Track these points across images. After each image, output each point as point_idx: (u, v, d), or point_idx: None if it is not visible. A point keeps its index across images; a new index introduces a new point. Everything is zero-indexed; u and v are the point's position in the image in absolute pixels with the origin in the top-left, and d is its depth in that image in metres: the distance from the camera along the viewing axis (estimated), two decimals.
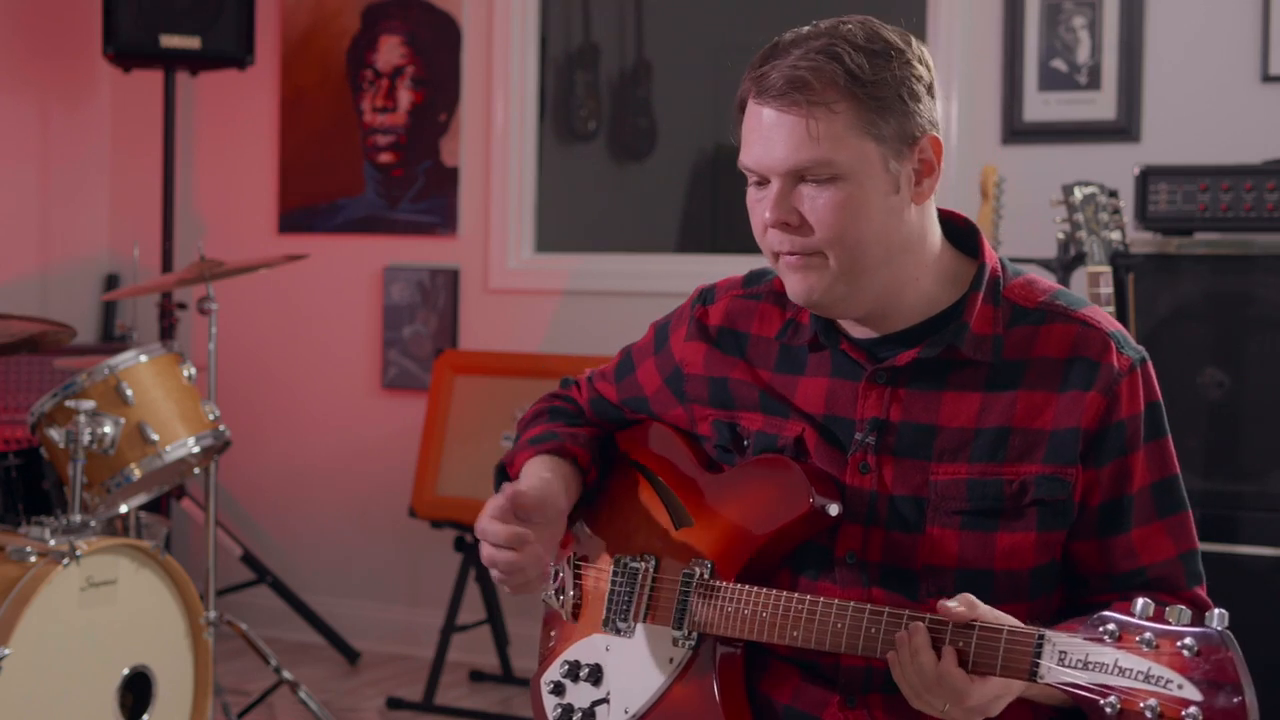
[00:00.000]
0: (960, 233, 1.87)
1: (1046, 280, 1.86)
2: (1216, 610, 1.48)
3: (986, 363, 1.78)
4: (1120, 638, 1.50)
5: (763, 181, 1.79)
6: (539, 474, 1.97)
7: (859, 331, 1.84)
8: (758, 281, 1.97)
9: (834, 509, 1.78)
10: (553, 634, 2.06)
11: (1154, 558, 1.79)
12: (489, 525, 1.89)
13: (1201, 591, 1.83)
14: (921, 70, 1.77)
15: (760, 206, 1.80)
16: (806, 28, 1.78)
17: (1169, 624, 1.48)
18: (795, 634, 1.76)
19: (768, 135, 1.76)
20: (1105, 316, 1.82)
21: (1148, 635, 1.48)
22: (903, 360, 1.79)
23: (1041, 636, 1.56)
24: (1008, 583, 1.77)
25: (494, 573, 1.91)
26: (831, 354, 1.86)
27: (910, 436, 1.79)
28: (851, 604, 1.72)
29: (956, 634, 1.62)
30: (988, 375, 1.78)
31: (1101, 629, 1.51)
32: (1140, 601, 1.50)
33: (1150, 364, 1.81)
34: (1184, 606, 1.49)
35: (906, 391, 1.80)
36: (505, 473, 2.08)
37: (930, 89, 1.78)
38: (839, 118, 1.72)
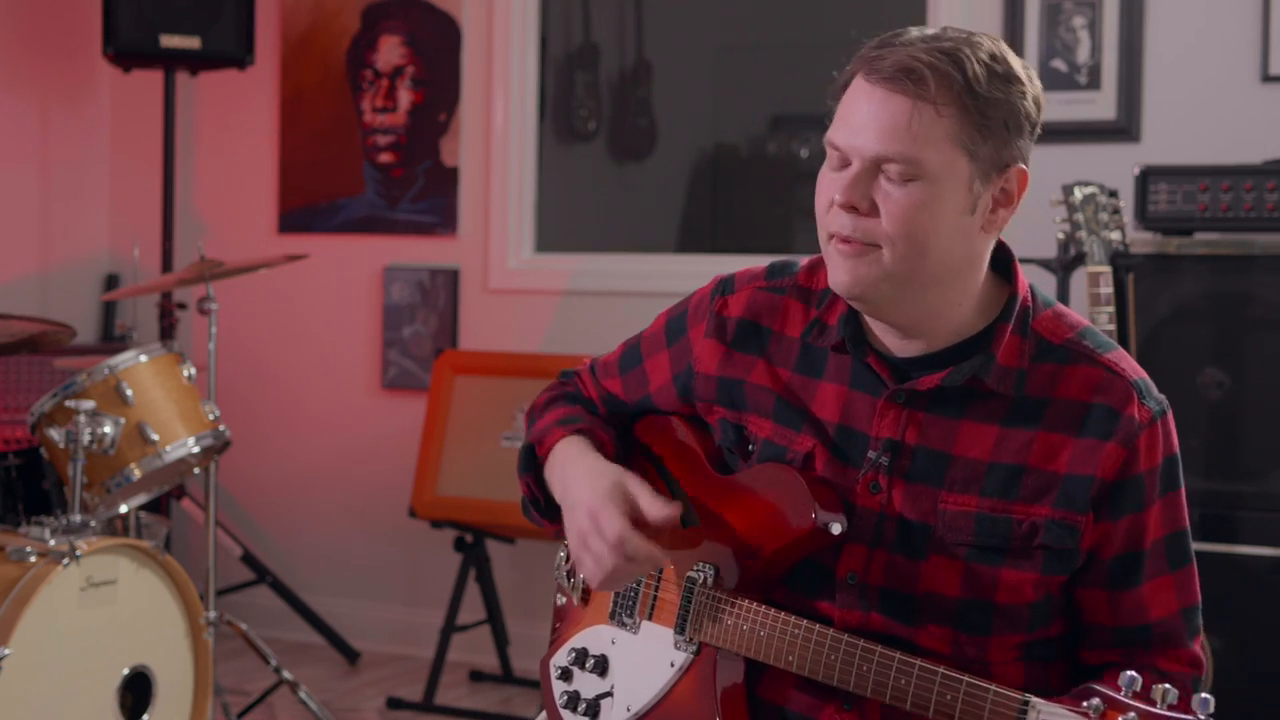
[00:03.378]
0: (994, 256, 1.84)
1: (1075, 315, 1.84)
2: (1202, 695, 1.49)
3: (1008, 396, 1.76)
4: (1104, 714, 1.50)
5: (843, 160, 1.74)
6: (599, 466, 1.90)
7: (888, 342, 1.82)
8: (781, 275, 1.93)
9: (837, 527, 1.77)
10: (564, 616, 2.06)
11: (1160, 613, 1.78)
12: (638, 545, 1.81)
13: (1197, 647, 1.82)
14: (1031, 107, 1.74)
15: (832, 186, 1.75)
16: (933, 29, 1.76)
17: (1154, 705, 1.49)
18: (791, 659, 1.76)
19: (865, 117, 1.71)
20: (1131, 362, 1.80)
21: (1131, 715, 1.48)
22: (925, 385, 1.77)
23: (1026, 702, 1.57)
24: (1008, 615, 1.76)
25: (592, 578, 1.85)
26: (854, 362, 1.83)
27: (924, 462, 1.77)
28: (845, 637, 1.72)
29: (944, 687, 1.63)
30: (1007, 410, 1.76)
31: (1086, 703, 1.51)
32: (1127, 675, 1.50)
33: (1170, 415, 1.79)
34: (1170, 686, 1.49)
35: (925, 415, 1.78)
36: (534, 452, 2.02)
37: (1034, 129, 1.75)
38: (942, 122, 1.69)
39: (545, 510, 2.03)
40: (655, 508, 1.82)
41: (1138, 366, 1.80)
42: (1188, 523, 1.81)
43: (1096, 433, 1.74)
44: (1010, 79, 1.72)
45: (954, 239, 1.73)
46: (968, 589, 1.75)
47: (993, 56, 1.72)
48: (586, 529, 1.84)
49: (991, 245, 1.80)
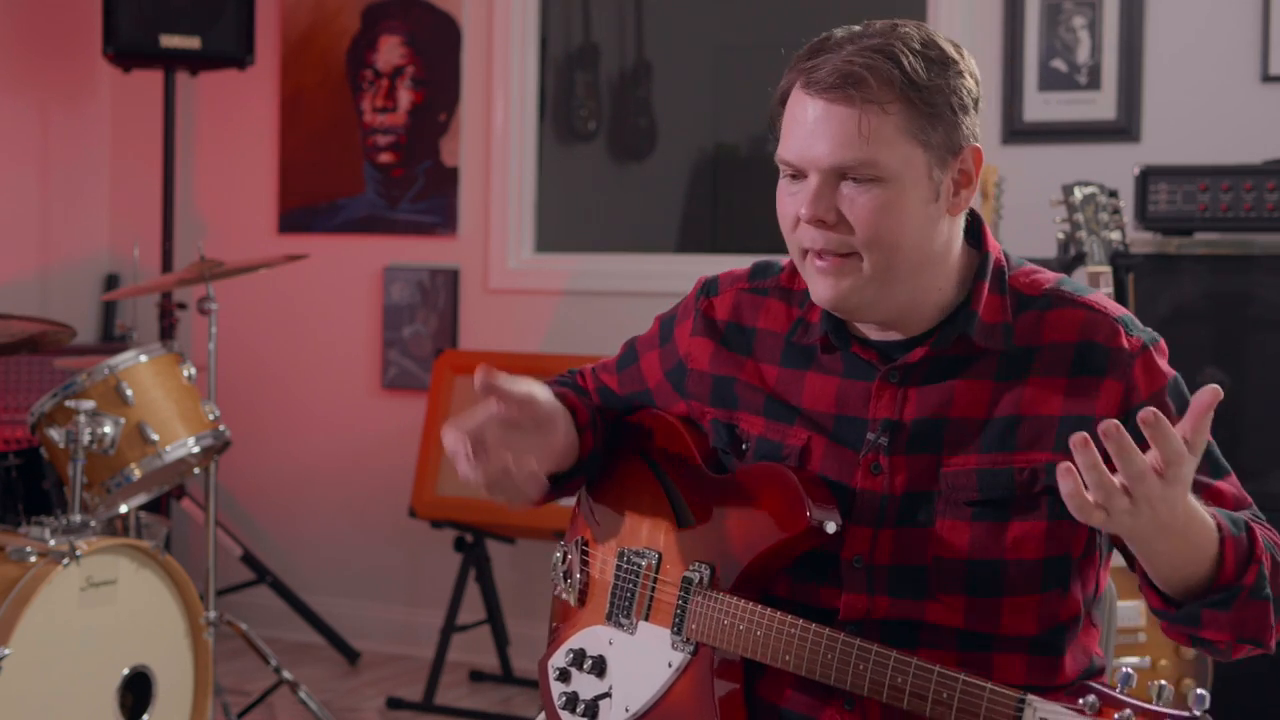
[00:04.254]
0: (964, 225, 1.85)
1: (1050, 271, 1.86)
2: (1198, 691, 1.48)
3: (998, 351, 1.76)
4: (1100, 711, 1.49)
5: (798, 175, 1.76)
6: None
7: (872, 334, 1.83)
8: (764, 275, 1.95)
9: (831, 526, 1.76)
10: (561, 616, 2.06)
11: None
12: (444, 431, 1.83)
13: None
14: (971, 83, 1.75)
15: (794, 201, 1.76)
16: (858, 26, 1.76)
17: (1150, 703, 1.48)
18: (788, 659, 1.76)
19: (813, 129, 1.72)
20: (1111, 302, 1.81)
21: (1127, 713, 1.48)
22: (915, 357, 1.78)
23: (1023, 700, 1.56)
24: (1018, 573, 1.76)
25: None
26: (843, 355, 1.84)
27: (922, 433, 1.78)
28: (842, 636, 1.72)
29: (941, 685, 1.63)
30: (999, 364, 1.77)
31: (1082, 700, 1.51)
32: (1123, 672, 1.50)
33: (1162, 344, 1.79)
34: (1165, 683, 1.48)
35: (919, 389, 1.79)
36: None
37: (976, 103, 1.77)
38: (890, 119, 1.70)
39: None
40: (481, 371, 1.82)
41: (1120, 306, 1.81)
42: (1210, 435, 1.76)
43: (1089, 370, 1.74)
44: (946, 62, 1.73)
45: (924, 229, 1.75)
46: (976, 549, 1.75)
47: (924, 44, 1.73)
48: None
49: (961, 225, 1.82)
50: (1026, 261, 1.86)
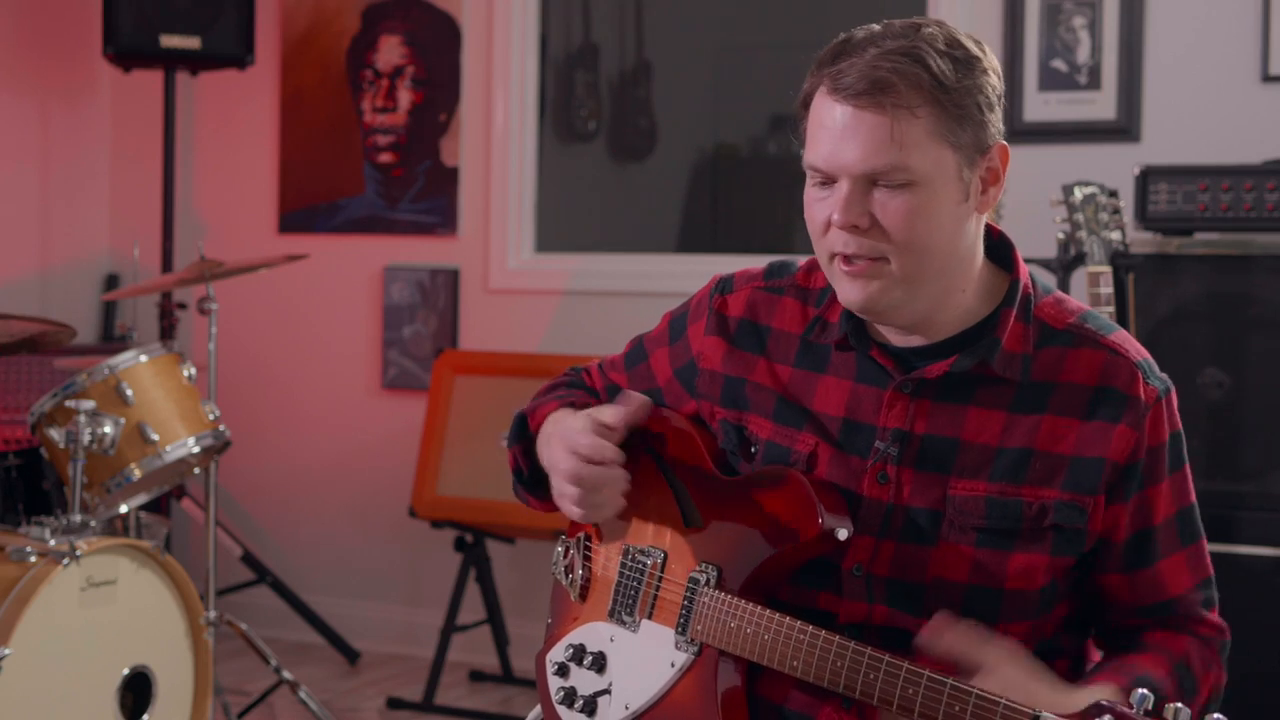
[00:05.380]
0: (993, 245, 1.85)
1: (1075, 300, 1.85)
2: (1215, 715, 1.49)
3: (1014, 382, 1.77)
4: None
5: (827, 181, 1.75)
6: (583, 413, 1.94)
7: (892, 338, 1.82)
8: (780, 274, 1.95)
9: (843, 533, 1.77)
10: (560, 611, 2.06)
11: (1177, 590, 1.81)
12: (581, 437, 1.86)
13: (1213, 616, 1.85)
14: (995, 80, 1.75)
15: (823, 206, 1.75)
16: (878, 26, 1.75)
17: None
18: (795, 664, 1.76)
19: (842, 135, 1.71)
20: (1133, 343, 1.81)
21: None
22: (933, 373, 1.77)
23: (1037, 716, 1.56)
24: (1016, 602, 1.77)
25: (568, 501, 1.89)
26: (858, 357, 1.84)
27: (932, 449, 1.78)
28: (853, 644, 1.72)
29: (953, 699, 1.62)
30: (1014, 395, 1.77)
31: None
32: (1139, 693, 1.50)
33: (1174, 393, 1.81)
34: (1182, 706, 1.49)
35: (932, 404, 1.79)
36: (525, 423, 2.03)
37: (1000, 100, 1.76)
38: (920, 123, 1.69)
39: (529, 482, 2.04)
40: (608, 412, 1.88)
41: (1140, 347, 1.82)
42: (1194, 497, 1.83)
43: (1105, 416, 1.75)
44: (971, 61, 1.73)
45: (954, 230, 1.75)
46: (976, 575, 1.75)
47: (949, 43, 1.72)
48: (558, 455, 1.88)
49: (982, 225, 1.82)
50: (1054, 289, 1.86)
